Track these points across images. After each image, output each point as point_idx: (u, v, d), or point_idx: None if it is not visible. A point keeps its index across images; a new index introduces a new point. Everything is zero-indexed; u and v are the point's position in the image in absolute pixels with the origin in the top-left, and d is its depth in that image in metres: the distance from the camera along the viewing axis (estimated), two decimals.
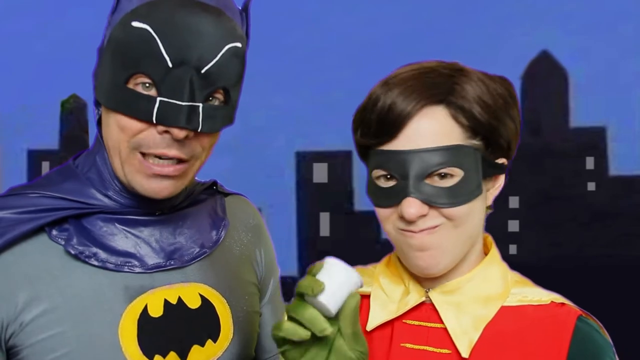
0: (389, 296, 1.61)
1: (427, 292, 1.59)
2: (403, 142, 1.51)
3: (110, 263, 1.63)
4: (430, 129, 1.51)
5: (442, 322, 1.57)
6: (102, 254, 1.63)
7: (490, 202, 1.59)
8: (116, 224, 1.66)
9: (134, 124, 1.56)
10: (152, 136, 1.57)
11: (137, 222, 1.67)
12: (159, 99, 1.54)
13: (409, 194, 1.51)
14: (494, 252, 1.62)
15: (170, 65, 1.54)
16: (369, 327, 1.60)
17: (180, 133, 1.55)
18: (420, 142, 1.50)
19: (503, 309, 1.57)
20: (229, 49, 1.57)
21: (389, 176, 1.53)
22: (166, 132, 1.56)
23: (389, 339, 1.59)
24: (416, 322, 1.58)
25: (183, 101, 1.54)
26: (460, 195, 1.51)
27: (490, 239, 1.65)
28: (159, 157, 1.59)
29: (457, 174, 1.51)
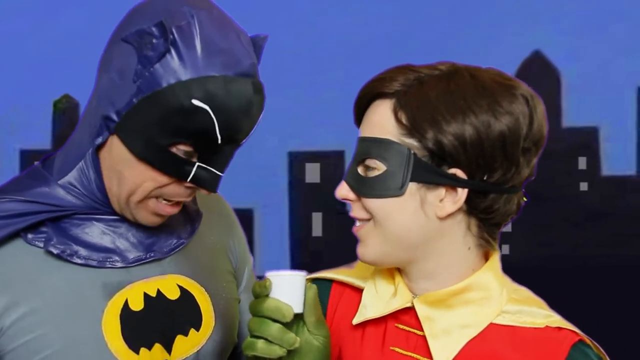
0: (379, 294, 1.61)
1: (414, 297, 1.57)
2: (361, 129, 1.56)
3: (93, 260, 1.65)
4: (374, 120, 1.53)
5: None
6: (83, 252, 1.65)
7: (442, 214, 1.50)
8: (94, 222, 1.68)
9: (165, 179, 1.62)
10: (177, 189, 1.64)
11: (113, 219, 1.68)
12: (197, 164, 1.61)
13: (343, 177, 1.56)
14: (491, 265, 1.56)
15: (219, 142, 1.59)
16: (355, 321, 1.60)
17: (205, 192, 1.64)
18: (366, 130, 1.54)
19: (492, 326, 1.53)
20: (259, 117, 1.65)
21: None
22: (191, 186, 1.63)
23: (381, 340, 1.59)
24: (407, 328, 1.58)
25: (221, 172, 1.63)
26: (376, 188, 1.51)
27: (494, 252, 1.58)
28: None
29: (379, 167, 1.51)
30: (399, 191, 1.50)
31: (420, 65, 1.54)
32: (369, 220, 1.54)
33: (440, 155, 1.47)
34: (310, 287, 1.53)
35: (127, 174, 1.63)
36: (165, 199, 1.65)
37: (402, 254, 1.54)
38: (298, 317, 1.53)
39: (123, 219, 1.70)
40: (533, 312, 1.54)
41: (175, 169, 1.61)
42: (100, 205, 1.67)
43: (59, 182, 1.68)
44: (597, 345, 1.52)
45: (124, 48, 1.61)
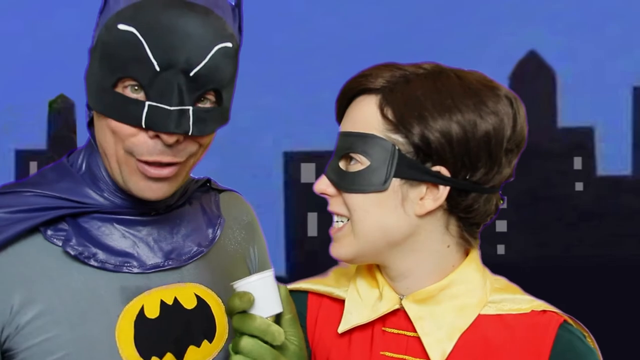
0: (363, 300, 1.60)
1: (401, 298, 1.57)
2: (343, 124, 1.55)
3: (110, 264, 1.62)
4: (358, 115, 1.52)
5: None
6: (101, 255, 1.62)
7: (422, 212, 1.50)
8: (114, 224, 1.65)
9: (124, 128, 1.54)
10: (144, 141, 1.55)
11: (135, 222, 1.66)
12: (147, 103, 1.52)
13: (324, 172, 1.56)
14: (472, 257, 1.57)
15: (157, 68, 1.51)
16: (341, 330, 1.59)
17: (170, 138, 1.53)
18: (348, 125, 1.53)
19: (480, 317, 1.54)
20: (219, 49, 1.54)
21: None
22: (157, 136, 1.54)
23: (369, 346, 1.58)
24: (395, 330, 1.56)
25: (172, 105, 1.52)
26: (358, 183, 1.50)
27: (473, 248, 1.59)
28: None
29: (362, 162, 1.50)
30: (382, 187, 1.49)
31: (404, 63, 1.55)
32: (347, 217, 1.54)
33: (426, 151, 1.47)
34: (280, 286, 1.53)
35: (102, 139, 1.59)
36: (139, 159, 1.57)
37: (379, 252, 1.54)
38: (277, 317, 1.53)
39: (144, 222, 1.68)
40: (516, 299, 1.56)
41: (125, 113, 1.54)
42: (121, 199, 1.66)
43: (83, 178, 1.66)
44: (580, 323, 1.55)
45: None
